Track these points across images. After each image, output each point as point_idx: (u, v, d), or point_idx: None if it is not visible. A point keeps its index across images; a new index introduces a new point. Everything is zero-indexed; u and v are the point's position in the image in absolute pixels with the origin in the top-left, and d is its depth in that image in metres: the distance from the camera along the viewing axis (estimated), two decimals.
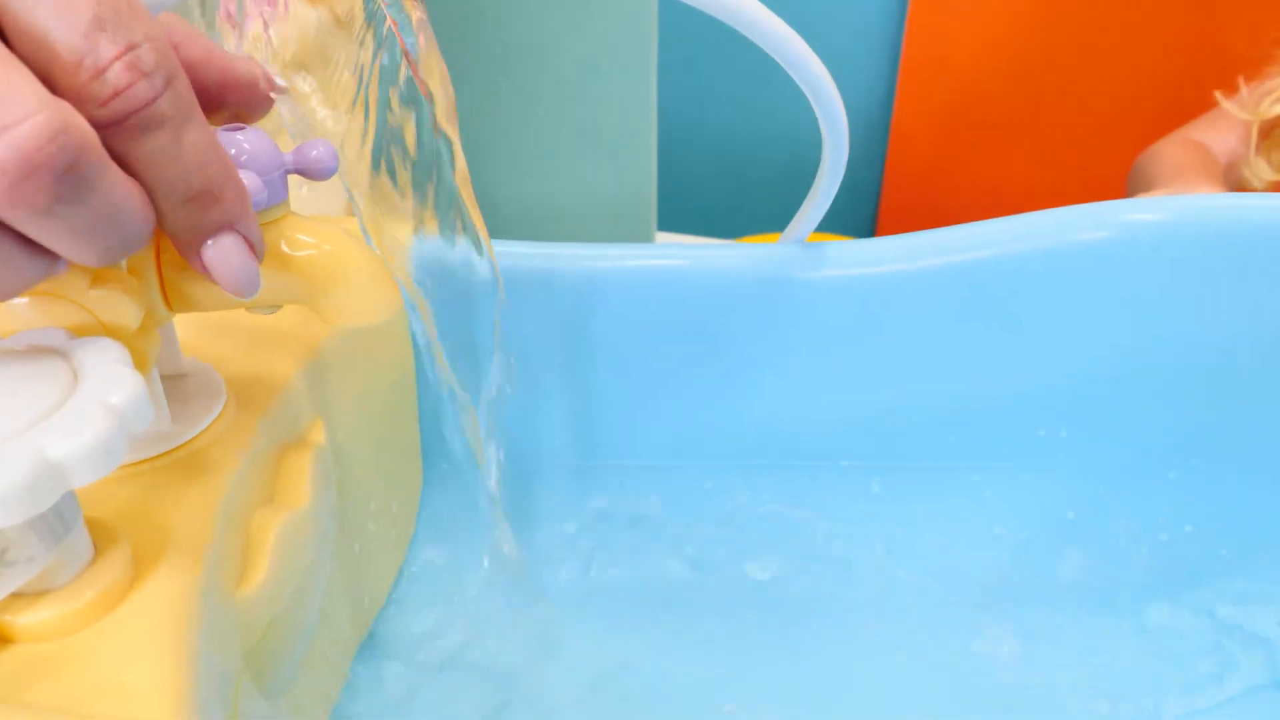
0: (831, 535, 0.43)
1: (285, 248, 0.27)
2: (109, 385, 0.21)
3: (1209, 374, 0.37)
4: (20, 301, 0.24)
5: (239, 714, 0.27)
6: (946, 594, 0.41)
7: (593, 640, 0.40)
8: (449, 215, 0.33)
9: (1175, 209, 0.34)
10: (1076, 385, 0.39)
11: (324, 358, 0.35)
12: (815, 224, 0.38)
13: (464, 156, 0.33)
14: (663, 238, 0.80)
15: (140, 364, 0.25)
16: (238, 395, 0.31)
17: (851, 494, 0.43)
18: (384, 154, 0.32)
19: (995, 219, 0.37)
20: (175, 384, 0.30)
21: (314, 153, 0.26)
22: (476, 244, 0.33)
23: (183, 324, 0.32)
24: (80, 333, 0.24)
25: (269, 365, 0.33)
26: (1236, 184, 0.63)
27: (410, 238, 0.33)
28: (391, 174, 0.31)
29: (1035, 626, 0.39)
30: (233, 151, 0.25)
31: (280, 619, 0.30)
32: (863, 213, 1.47)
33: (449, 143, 0.30)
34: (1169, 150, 0.60)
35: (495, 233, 0.38)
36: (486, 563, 0.42)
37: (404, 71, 0.27)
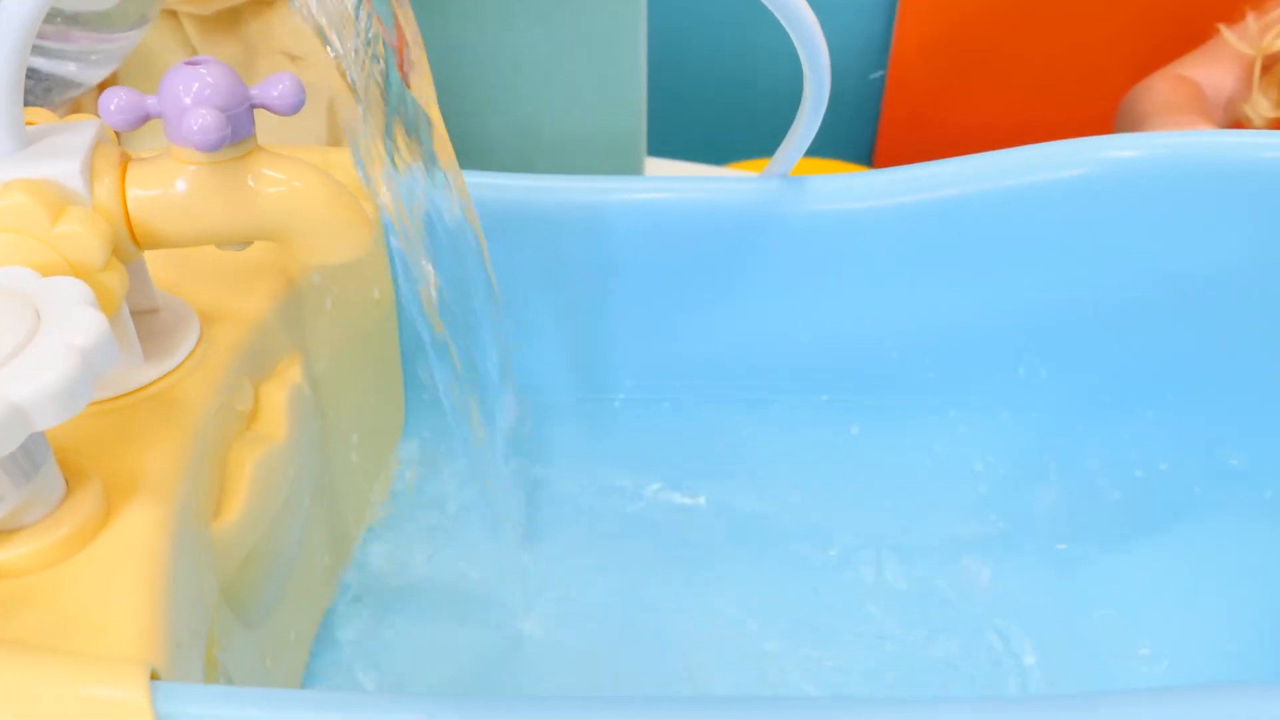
0: (811, 467, 0.43)
1: (252, 183, 0.27)
2: (72, 327, 0.21)
3: (1187, 311, 0.37)
4: None
5: (218, 644, 0.27)
6: (922, 527, 0.42)
7: (575, 570, 0.41)
8: (425, 152, 0.33)
9: (1153, 145, 0.34)
10: (1055, 322, 0.39)
11: (300, 292, 0.35)
12: (798, 158, 0.38)
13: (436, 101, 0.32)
14: (652, 164, 0.79)
15: (108, 302, 0.25)
16: (212, 330, 0.31)
17: (831, 427, 0.43)
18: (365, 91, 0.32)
19: (976, 154, 0.37)
20: (148, 319, 0.30)
21: (279, 87, 0.26)
22: (447, 182, 0.32)
23: (157, 260, 0.32)
24: (46, 271, 0.24)
25: (244, 300, 0.32)
26: (1233, 122, 0.62)
27: (393, 175, 0.33)
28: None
29: (1009, 561, 0.40)
30: (195, 85, 0.25)
31: (258, 550, 0.30)
32: (860, 140, 1.45)
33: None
34: (1160, 87, 0.59)
35: (479, 161, 0.38)
36: (470, 494, 0.43)
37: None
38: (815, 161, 1.29)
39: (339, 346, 0.38)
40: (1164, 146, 0.34)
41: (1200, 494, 0.37)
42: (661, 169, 0.79)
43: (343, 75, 0.28)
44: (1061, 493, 0.40)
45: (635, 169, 0.70)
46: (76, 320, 0.21)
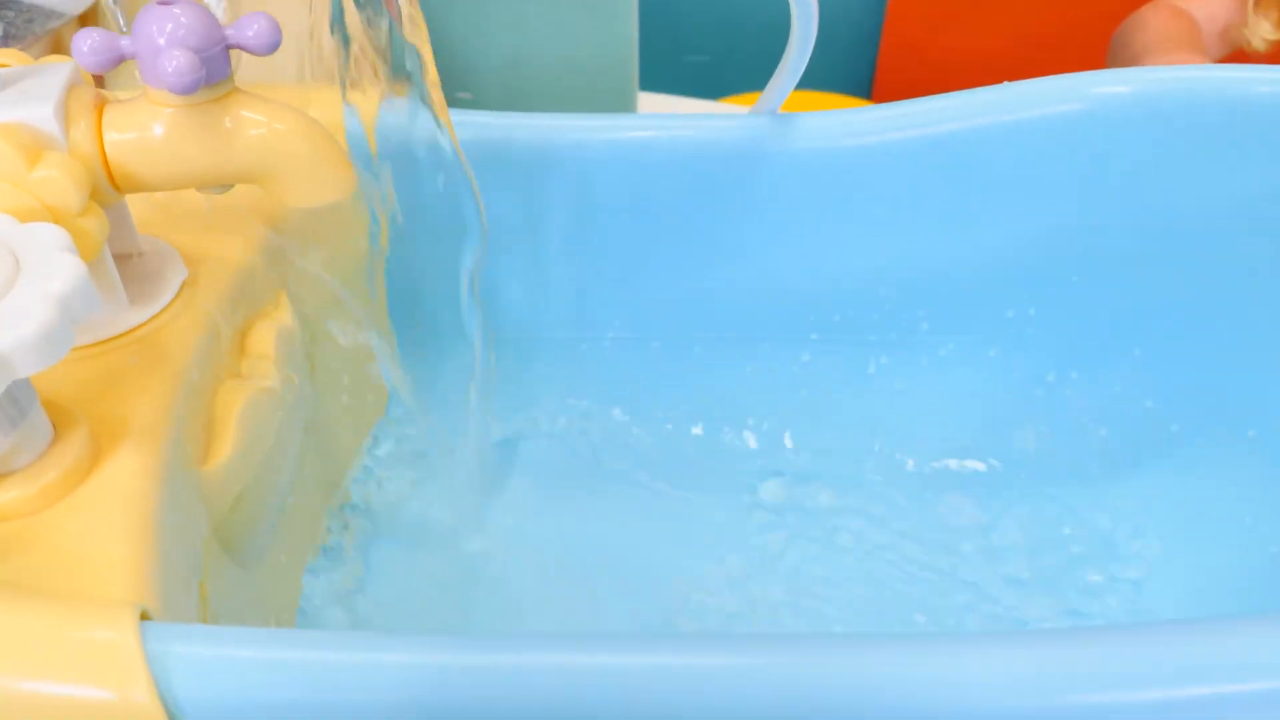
0: (802, 406, 0.44)
1: (230, 124, 0.27)
2: (51, 273, 0.21)
3: (1176, 248, 0.37)
4: None
5: (210, 583, 0.28)
6: (909, 463, 0.42)
7: (561, 507, 0.41)
8: (415, 90, 0.33)
9: (1145, 80, 0.33)
10: (1045, 259, 0.39)
11: (284, 233, 0.34)
12: (788, 93, 0.37)
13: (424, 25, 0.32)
14: (645, 99, 0.78)
15: (88, 247, 0.25)
16: (197, 273, 0.31)
17: (821, 366, 0.43)
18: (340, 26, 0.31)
19: (966, 90, 0.36)
20: (132, 263, 0.30)
21: (254, 27, 0.25)
22: (437, 123, 0.32)
23: (140, 203, 0.32)
24: (24, 216, 0.24)
25: (228, 242, 0.32)
26: (1232, 49, 0.60)
27: (374, 111, 0.33)
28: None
29: (995, 496, 0.40)
30: (168, 25, 0.24)
31: (249, 492, 0.31)
32: (860, 71, 1.43)
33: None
34: (1154, 21, 0.58)
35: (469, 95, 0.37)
36: (456, 431, 0.43)
37: None
38: (813, 95, 1.27)
39: (325, 288, 0.37)
40: (1155, 82, 0.34)
41: (1180, 431, 0.38)
42: (654, 103, 0.78)
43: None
44: (1049, 429, 0.41)
45: (627, 103, 0.69)
46: (55, 266, 0.21)
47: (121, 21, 0.38)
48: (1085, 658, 0.19)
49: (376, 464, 0.42)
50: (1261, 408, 0.36)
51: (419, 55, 0.32)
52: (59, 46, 0.45)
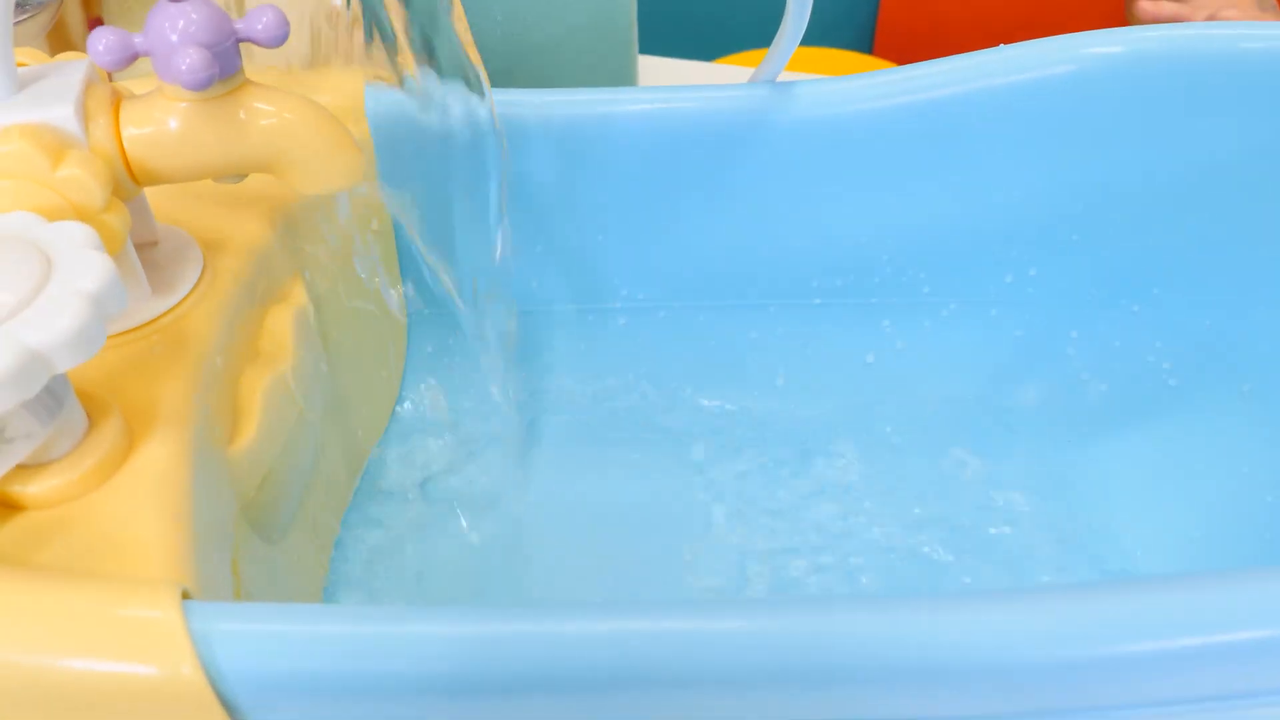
0: (809, 364, 0.45)
1: (244, 116, 0.27)
2: (82, 272, 0.22)
3: (1173, 205, 0.38)
4: None
5: (240, 560, 0.29)
6: (914, 421, 0.43)
7: (574, 471, 0.42)
8: (445, 64, 0.33)
9: (1135, 40, 0.34)
10: (1043, 219, 0.39)
11: (297, 215, 0.35)
12: (784, 64, 0.38)
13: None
14: (644, 62, 0.78)
15: (112, 240, 0.26)
16: (215, 260, 0.32)
17: (825, 330, 0.44)
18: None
19: (961, 55, 0.36)
20: (151, 252, 0.31)
21: (263, 20, 0.26)
22: (475, 92, 0.32)
23: (155, 192, 0.32)
24: (50, 215, 0.25)
25: (243, 227, 0.33)
26: None
27: (396, 91, 0.33)
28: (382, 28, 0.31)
29: (997, 452, 0.41)
30: (180, 23, 0.25)
31: (274, 470, 0.32)
32: (861, 26, 1.42)
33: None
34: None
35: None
36: (470, 400, 0.44)
37: None
38: (815, 51, 1.26)
39: (338, 265, 0.38)
40: (1145, 40, 0.34)
41: (1179, 385, 0.38)
42: (653, 67, 0.78)
43: None
44: (1049, 385, 0.42)
45: (627, 69, 0.69)
46: (86, 265, 0.22)
47: None
48: (1108, 609, 0.20)
49: (395, 435, 0.43)
50: (1256, 361, 0.36)
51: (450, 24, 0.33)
52: (61, 20, 0.46)
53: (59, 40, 0.47)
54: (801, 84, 0.38)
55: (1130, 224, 0.39)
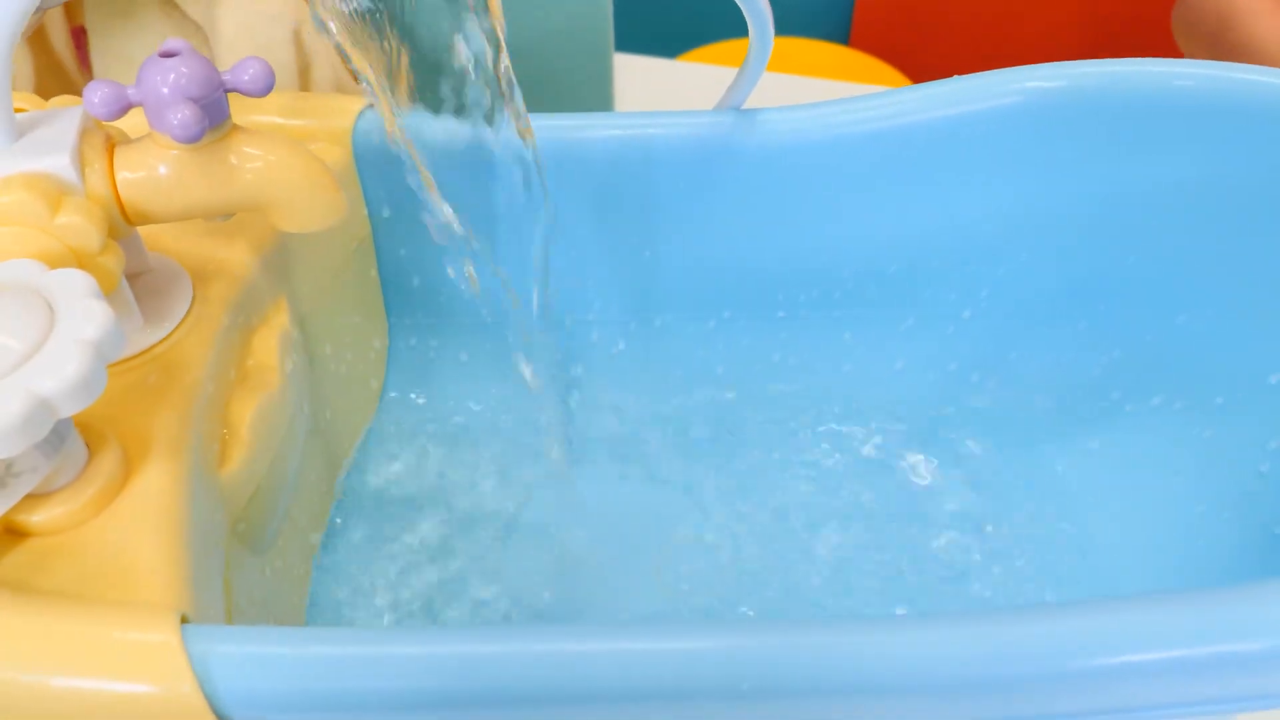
0: (774, 373, 0.47)
1: (234, 161, 0.29)
2: (83, 320, 0.24)
3: (1115, 230, 0.40)
4: None
5: (231, 575, 0.31)
6: (864, 431, 0.45)
7: (555, 484, 0.44)
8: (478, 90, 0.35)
9: (1074, 75, 0.36)
10: (996, 241, 0.41)
11: (281, 241, 0.37)
12: (748, 94, 0.39)
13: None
14: (619, 60, 0.80)
15: (108, 280, 0.28)
16: (203, 288, 0.33)
17: (791, 340, 0.46)
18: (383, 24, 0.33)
19: (914, 85, 0.38)
20: (142, 280, 0.33)
21: (249, 72, 0.28)
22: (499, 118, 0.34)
23: None
24: (50, 259, 0.26)
25: (229, 253, 0.35)
26: None
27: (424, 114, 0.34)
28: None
29: (947, 460, 0.44)
30: (171, 77, 0.27)
31: (261, 487, 0.34)
32: (837, 17, 1.43)
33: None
34: (1267, 22, 0.53)
35: None
36: (449, 406, 0.46)
37: None
38: (791, 41, 1.28)
39: (321, 283, 0.40)
40: (1083, 76, 0.36)
41: (1120, 399, 0.41)
42: (624, 65, 0.80)
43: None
44: (999, 397, 0.44)
45: (604, 70, 0.71)
46: (87, 313, 0.24)
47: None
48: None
49: (375, 443, 0.45)
50: (1189, 380, 0.39)
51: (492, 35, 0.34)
52: (42, 28, 0.47)
53: (40, 47, 0.48)
54: (764, 112, 0.40)
55: (1076, 245, 0.41)
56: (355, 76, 0.32)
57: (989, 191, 0.40)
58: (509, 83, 0.35)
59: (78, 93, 0.54)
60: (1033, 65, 0.37)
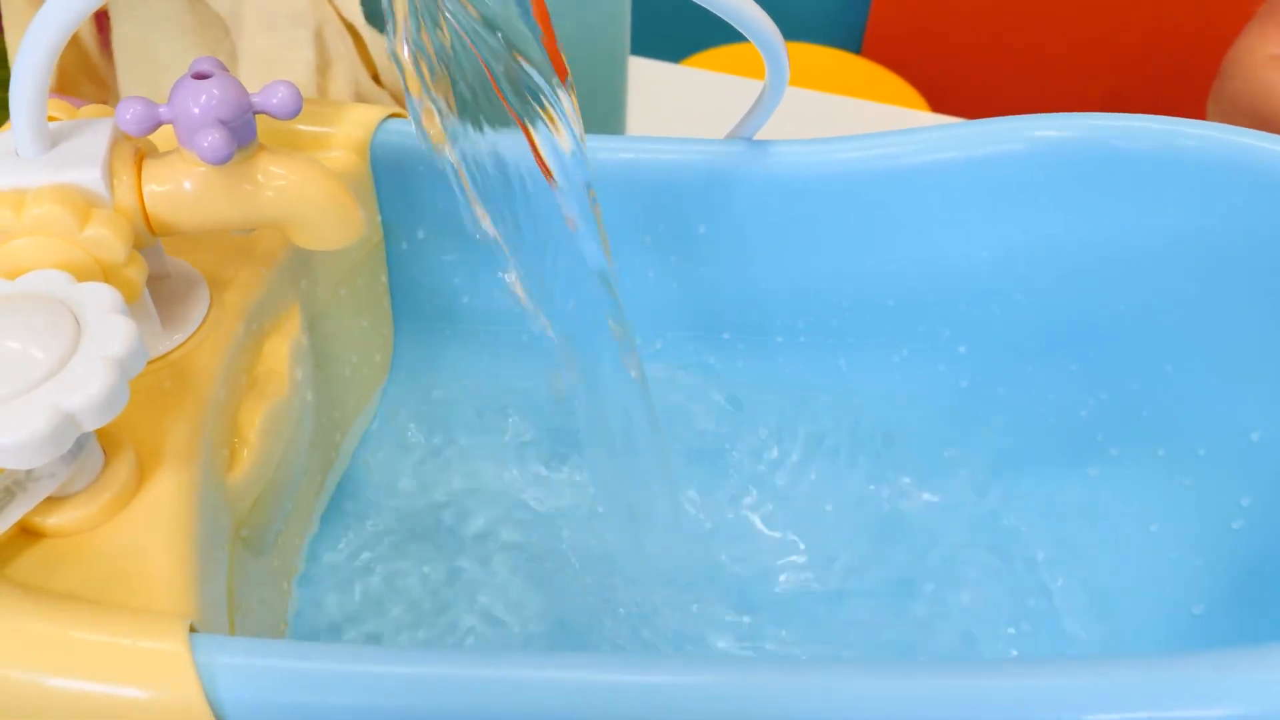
0: (766, 401, 0.48)
1: (260, 178, 0.30)
2: (109, 337, 0.24)
3: (1107, 276, 0.41)
4: (21, 242, 0.27)
5: (234, 579, 0.32)
6: (868, 453, 0.47)
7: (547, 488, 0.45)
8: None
9: (1079, 127, 0.37)
10: (993, 281, 0.42)
11: (299, 250, 0.38)
12: (764, 123, 0.40)
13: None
14: (634, 64, 0.81)
15: (131, 290, 0.29)
16: (220, 295, 0.34)
17: (787, 365, 0.47)
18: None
19: (923, 128, 0.39)
20: (160, 285, 0.33)
21: (278, 95, 0.28)
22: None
23: None
24: (76, 269, 0.27)
25: (247, 262, 0.36)
26: None
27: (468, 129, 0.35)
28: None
29: (937, 489, 0.45)
30: (203, 99, 0.27)
31: (266, 491, 0.34)
32: (851, 24, 1.44)
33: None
34: (1271, 78, 0.52)
35: None
36: (441, 413, 0.47)
37: None
38: (804, 47, 1.28)
39: (333, 288, 0.41)
40: (1087, 129, 0.37)
41: (1104, 442, 0.42)
42: (642, 69, 0.80)
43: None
44: (988, 432, 0.45)
45: (619, 77, 0.71)
46: (112, 329, 0.25)
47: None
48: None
49: (373, 443, 0.46)
50: (1172, 429, 0.40)
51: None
52: None
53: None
54: (773, 144, 0.41)
55: (1070, 289, 0.42)
56: (403, 92, 0.32)
57: (990, 232, 0.41)
58: (558, 106, 0.35)
59: (97, 76, 0.55)
60: (1043, 115, 0.38)
